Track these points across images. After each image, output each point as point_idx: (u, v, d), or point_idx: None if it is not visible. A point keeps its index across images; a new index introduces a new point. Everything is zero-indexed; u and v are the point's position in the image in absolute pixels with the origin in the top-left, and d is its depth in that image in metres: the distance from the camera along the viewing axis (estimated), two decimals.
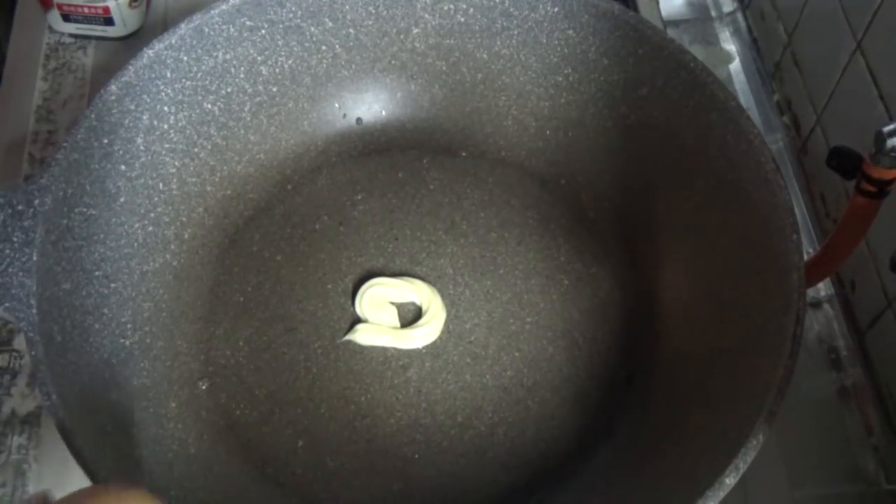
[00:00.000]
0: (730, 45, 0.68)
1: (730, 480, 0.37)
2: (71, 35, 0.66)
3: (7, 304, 0.41)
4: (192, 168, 0.52)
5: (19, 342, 0.54)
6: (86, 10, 0.63)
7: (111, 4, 0.63)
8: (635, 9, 0.66)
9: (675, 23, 0.69)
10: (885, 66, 0.50)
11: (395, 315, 0.52)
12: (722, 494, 0.37)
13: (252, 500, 0.46)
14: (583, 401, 0.49)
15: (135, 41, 0.66)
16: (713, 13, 0.70)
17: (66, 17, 0.64)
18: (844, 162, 0.43)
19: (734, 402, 0.41)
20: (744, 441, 0.37)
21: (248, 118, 0.54)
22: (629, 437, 0.47)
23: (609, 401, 0.49)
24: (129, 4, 0.63)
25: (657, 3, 0.68)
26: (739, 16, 0.69)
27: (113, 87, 0.47)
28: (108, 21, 0.64)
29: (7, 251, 0.42)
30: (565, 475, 0.47)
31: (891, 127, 0.40)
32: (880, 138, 0.40)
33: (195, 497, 0.44)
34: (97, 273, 0.47)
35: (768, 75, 0.66)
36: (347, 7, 0.54)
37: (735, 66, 0.67)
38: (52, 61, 0.65)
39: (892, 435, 0.52)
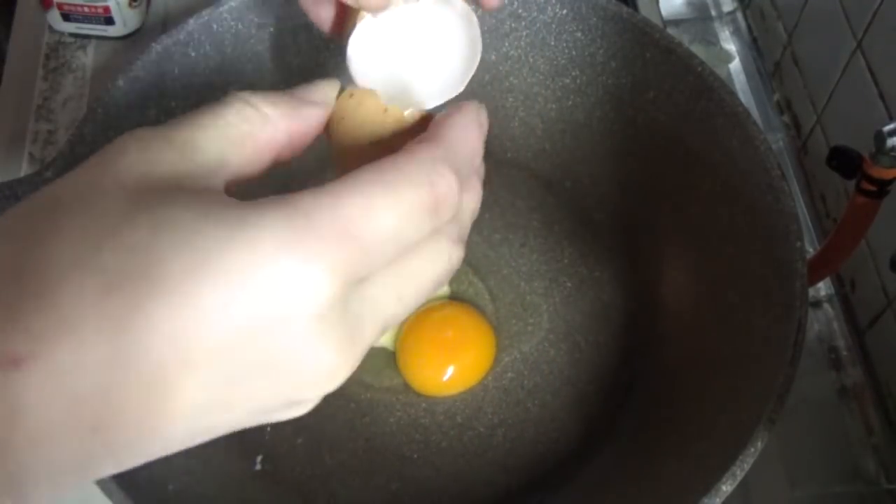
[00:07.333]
0: (730, 45, 0.68)
1: (727, 487, 0.37)
2: (71, 34, 0.66)
3: None
4: None
5: None
6: (86, 9, 0.63)
7: (111, 4, 0.63)
8: (635, 8, 0.66)
9: (675, 22, 0.69)
10: (885, 66, 0.50)
11: None
12: (718, 501, 0.37)
13: (250, 497, 0.46)
14: (583, 404, 0.49)
15: (135, 41, 0.66)
16: (713, 13, 0.69)
17: (66, 17, 0.64)
18: (844, 162, 0.43)
19: (733, 409, 0.41)
20: (742, 448, 0.37)
21: None
22: (628, 442, 0.47)
23: (609, 404, 0.49)
24: (129, 4, 0.63)
25: (657, 2, 0.68)
26: (739, 15, 0.69)
27: (120, 82, 0.47)
28: (109, 20, 0.64)
29: None
30: (564, 478, 0.47)
31: (891, 126, 0.40)
32: (880, 138, 0.40)
33: (193, 491, 0.44)
34: None
35: (768, 75, 0.65)
36: None
37: (735, 65, 0.67)
38: (51, 61, 0.65)
39: (892, 435, 0.51)
